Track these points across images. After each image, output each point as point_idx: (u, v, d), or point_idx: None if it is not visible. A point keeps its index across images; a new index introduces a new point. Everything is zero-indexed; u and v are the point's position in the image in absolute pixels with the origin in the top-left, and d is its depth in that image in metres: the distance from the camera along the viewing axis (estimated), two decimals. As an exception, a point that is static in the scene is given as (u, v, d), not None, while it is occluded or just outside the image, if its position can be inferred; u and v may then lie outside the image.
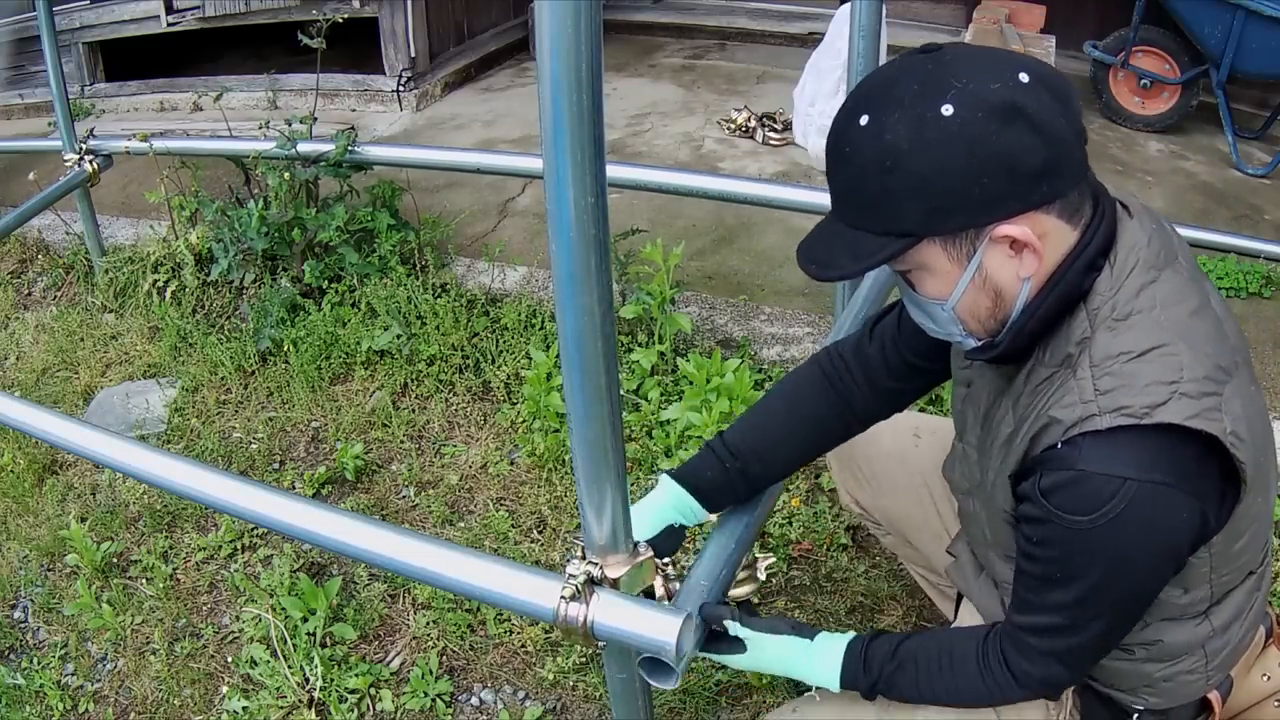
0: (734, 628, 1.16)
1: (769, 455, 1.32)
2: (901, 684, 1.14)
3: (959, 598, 1.42)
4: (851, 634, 1.19)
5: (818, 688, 1.20)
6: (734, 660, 1.18)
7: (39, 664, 2.02)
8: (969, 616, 1.34)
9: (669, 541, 1.26)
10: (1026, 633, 1.06)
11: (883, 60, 3.00)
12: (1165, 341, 0.94)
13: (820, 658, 1.18)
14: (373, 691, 1.86)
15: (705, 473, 1.30)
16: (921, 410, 2.31)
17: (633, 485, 2.24)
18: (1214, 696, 1.18)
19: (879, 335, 1.32)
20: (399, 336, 2.64)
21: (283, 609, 1.95)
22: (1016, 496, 1.06)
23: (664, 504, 1.28)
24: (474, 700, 1.87)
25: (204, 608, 2.10)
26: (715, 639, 1.18)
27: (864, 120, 0.93)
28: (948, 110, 0.89)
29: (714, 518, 1.34)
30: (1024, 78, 0.90)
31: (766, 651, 1.17)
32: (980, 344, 1.06)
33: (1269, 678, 1.23)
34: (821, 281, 1.33)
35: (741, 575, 1.38)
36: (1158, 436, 0.92)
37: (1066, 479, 0.95)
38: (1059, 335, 1.00)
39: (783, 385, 1.38)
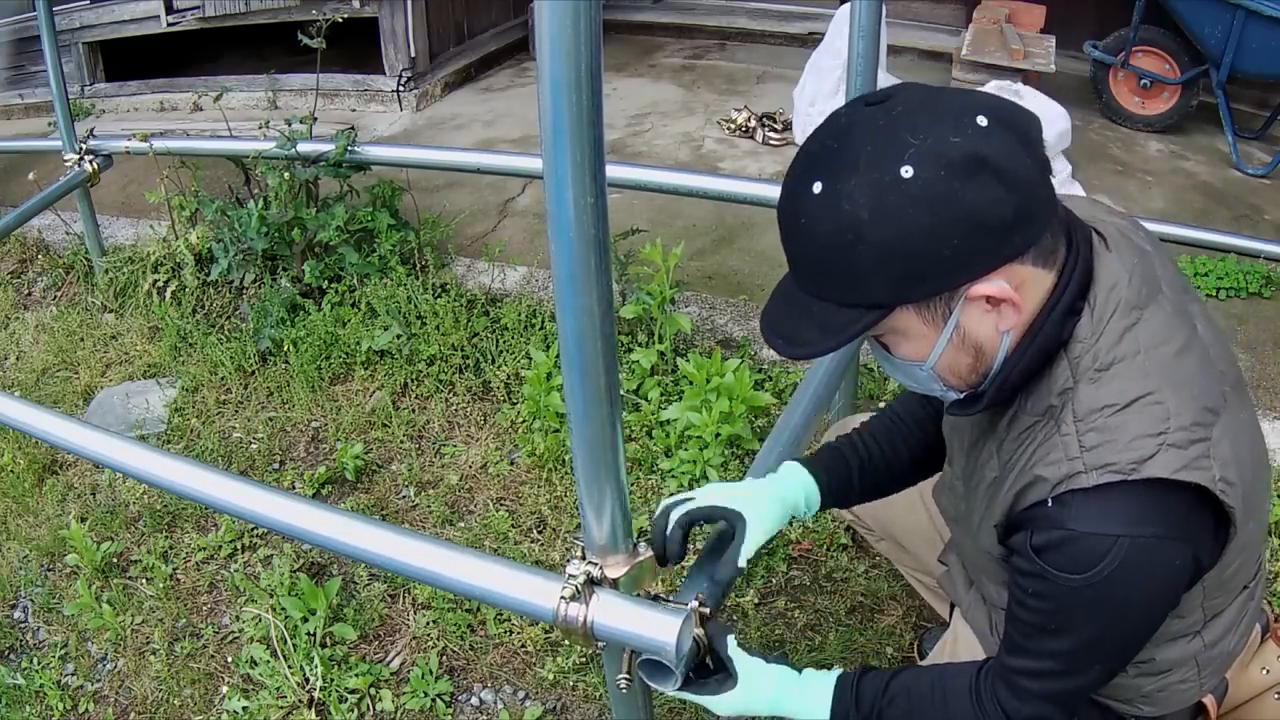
0: (732, 646, 1.12)
1: (885, 470, 1.33)
2: (891, 712, 1.13)
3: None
4: (839, 670, 1.17)
5: None
6: (718, 700, 1.12)
7: (39, 664, 2.02)
8: (961, 622, 1.34)
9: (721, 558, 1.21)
10: (1019, 675, 1.04)
11: (883, 61, 3.00)
12: (1150, 390, 0.91)
13: (810, 692, 1.15)
14: (373, 691, 1.86)
15: (831, 466, 1.30)
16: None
17: (633, 485, 2.24)
18: (1209, 701, 1.18)
19: None
20: (399, 336, 2.64)
21: (283, 609, 1.95)
22: (1006, 546, 1.04)
23: (794, 491, 1.26)
24: (474, 700, 1.87)
25: (204, 608, 2.10)
26: (698, 674, 1.13)
27: (817, 188, 0.88)
28: (907, 172, 0.84)
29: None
30: (982, 121, 0.86)
31: (758, 686, 1.13)
32: (962, 397, 1.04)
33: (1268, 671, 1.23)
34: (790, 359, 1.31)
35: None
36: (1147, 490, 0.90)
37: (1058, 539, 0.93)
38: (1041, 384, 0.97)
39: (895, 408, 1.38)
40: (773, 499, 1.22)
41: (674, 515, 1.17)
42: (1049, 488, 0.94)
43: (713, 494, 1.20)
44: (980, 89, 3.33)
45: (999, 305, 0.92)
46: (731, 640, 1.14)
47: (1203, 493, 0.91)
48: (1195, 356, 0.96)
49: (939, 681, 1.13)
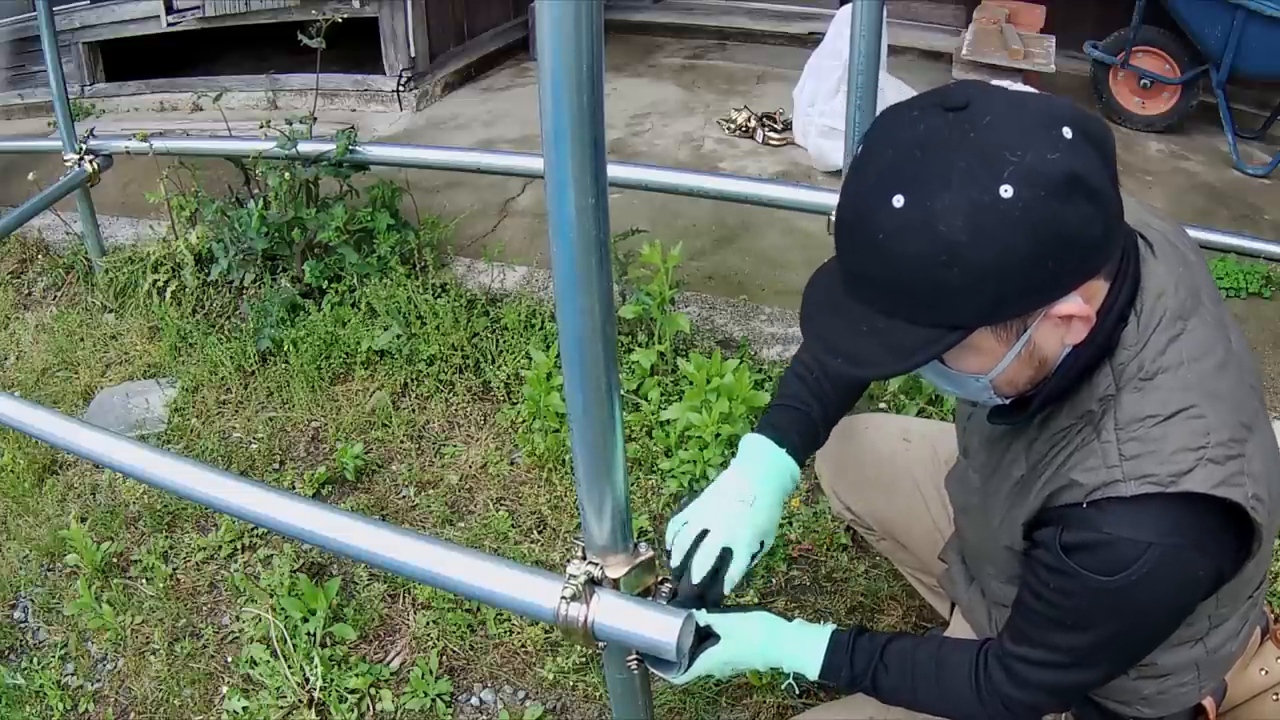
0: (701, 617, 1.13)
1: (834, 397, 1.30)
2: (886, 684, 1.13)
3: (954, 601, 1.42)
4: (833, 625, 1.18)
5: (794, 674, 1.17)
6: (710, 660, 1.13)
7: (39, 664, 2.02)
8: (961, 622, 1.34)
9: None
10: (1020, 662, 1.05)
11: (883, 61, 2.99)
12: (1192, 403, 0.91)
13: (802, 640, 1.15)
14: (373, 691, 1.86)
15: (795, 430, 1.28)
16: (921, 411, 2.31)
17: (633, 485, 2.24)
18: (1208, 703, 1.18)
19: None
20: (399, 336, 2.64)
21: (283, 609, 1.95)
22: (1031, 540, 1.04)
23: (781, 482, 1.25)
24: (474, 700, 1.87)
25: (204, 608, 2.10)
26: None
27: (899, 201, 0.82)
28: (1007, 192, 0.79)
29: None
30: (1068, 133, 0.82)
31: (745, 634, 1.13)
32: (1008, 402, 1.02)
33: (1266, 672, 1.24)
34: (852, 378, 1.27)
35: None
36: (1182, 503, 0.90)
37: (1090, 540, 0.93)
38: (1081, 388, 0.96)
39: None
40: (770, 506, 1.22)
41: (697, 564, 1.16)
42: (1084, 493, 0.94)
43: (710, 519, 1.19)
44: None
45: (1070, 320, 0.90)
46: (700, 613, 1.13)
47: (1234, 509, 0.91)
48: (1233, 371, 0.96)
49: (937, 654, 1.13)
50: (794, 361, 1.35)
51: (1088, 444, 0.95)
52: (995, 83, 3.03)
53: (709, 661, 1.13)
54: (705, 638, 1.14)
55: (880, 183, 0.84)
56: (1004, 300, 0.84)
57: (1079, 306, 0.88)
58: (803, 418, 1.28)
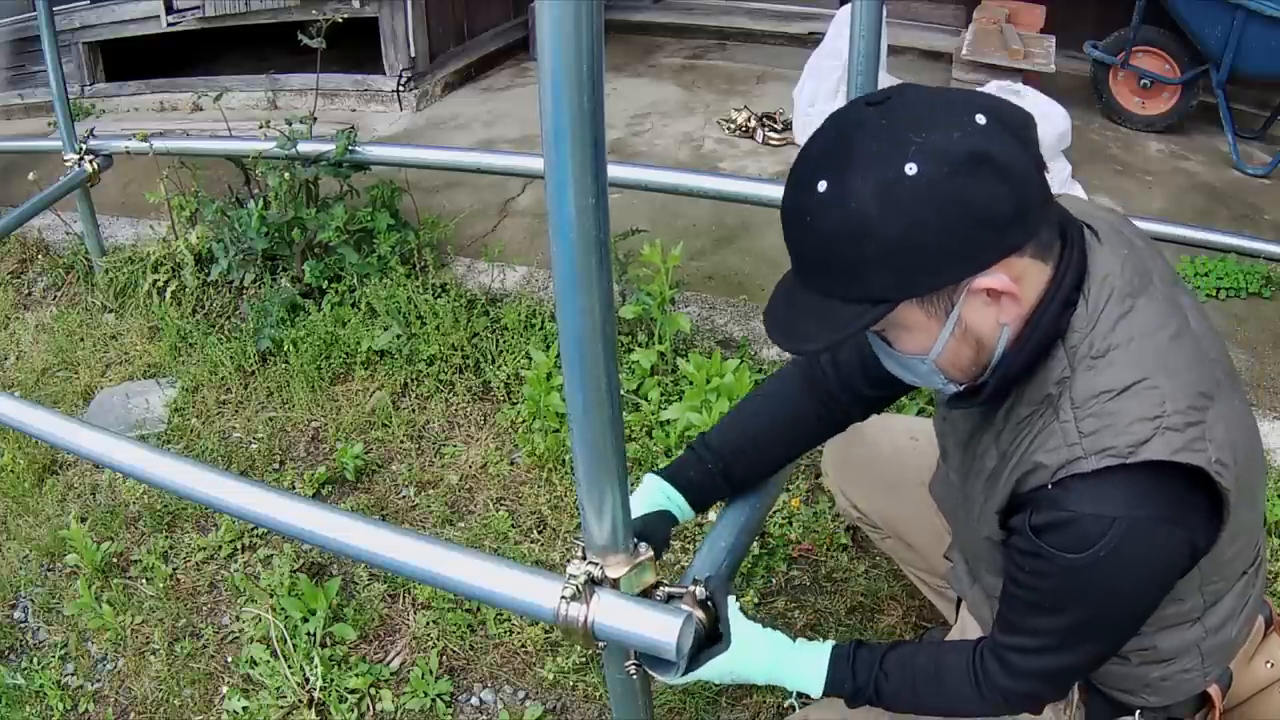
0: (733, 608, 1.14)
1: (750, 455, 1.32)
2: (889, 691, 1.14)
3: (959, 600, 1.42)
4: (833, 641, 1.19)
5: (797, 694, 1.19)
6: (713, 666, 1.13)
7: (39, 664, 2.02)
8: (968, 618, 1.34)
9: (661, 527, 1.24)
10: (1012, 652, 1.07)
11: (883, 61, 3.00)
12: (1145, 375, 0.93)
13: (804, 660, 1.17)
14: (373, 691, 1.86)
15: (688, 472, 1.31)
16: (921, 411, 2.31)
17: (633, 485, 2.23)
18: (1213, 691, 1.18)
19: (856, 344, 1.30)
20: (399, 336, 2.64)
21: (283, 609, 1.95)
22: (1005, 528, 1.06)
23: (653, 493, 1.29)
24: (474, 700, 1.87)
25: (204, 608, 2.10)
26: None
27: (823, 186, 0.90)
28: (912, 169, 0.86)
29: (710, 514, 1.34)
30: (981, 119, 0.88)
31: (753, 649, 1.14)
32: (962, 389, 1.05)
33: (1272, 665, 1.24)
34: (793, 354, 1.31)
35: None
36: (1145, 473, 0.92)
37: (1057, 519, 0.95)
38: (1038, 374, 0.99)
39: (765, 386, 1.38)
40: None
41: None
42: (1049, 474, 0.96)
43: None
44: (979, 89, 3.33)
45: (999, 298, 0.94)
46: (733, 601, 1.15)
47: (1198, 475, 0.93)
48: (1188, 343, 0.98)
49: (936, 658, 1.15)
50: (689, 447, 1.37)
51: (1048, 426, 0.97)
52: (995, 83, 3.02)
53: (711, 668, 1.13)
54: (714, 641, 1.14)
55: (809, 172, 0.92)
56: (918, 272, 0.90)
57: (1001, 281, 0.92)
58: (696, 460, 1.33)
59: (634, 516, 1.24)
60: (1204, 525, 0.98)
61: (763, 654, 1.15)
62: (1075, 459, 0.94)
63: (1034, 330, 0.96)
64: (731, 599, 1.15)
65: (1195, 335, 1.00)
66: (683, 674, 1.12)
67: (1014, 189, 0.87)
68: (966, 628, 1.35)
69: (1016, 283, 0.93)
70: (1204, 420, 0.93)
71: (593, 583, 1.08)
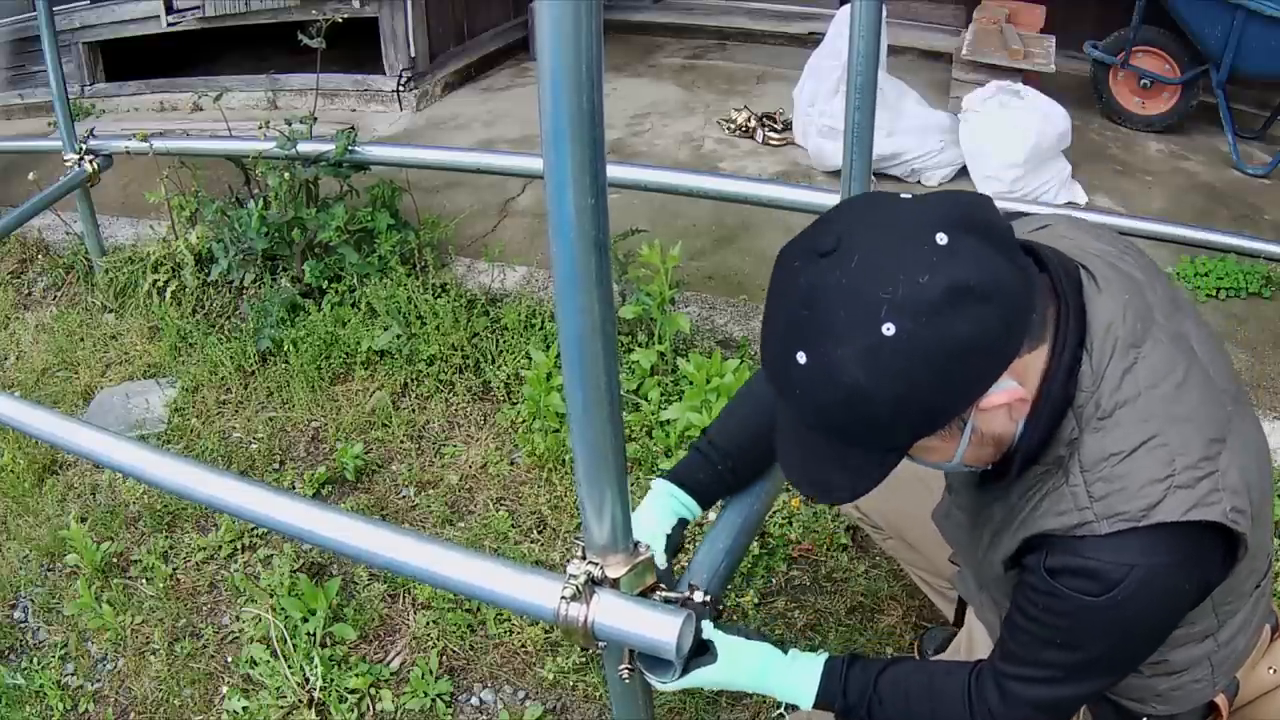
0: (709, 629, 1.14)
1: (756, 450, 1.32)
2: (880, 710, 1.13)
3: (960, 600, 1.42)
4: (825, 654, 1.18)
5: (787, 705, 1.19)
6: (702, 675, 1.13)
7: (39, 664, 2.02)
8: (975, 622, 1.34)
9: (678, 536, 1.25)
10: (1014, 680, 1.05)
11: (883, 61, 3.00)
12: (1154, 433, 0.92)
13: (796, 672, 1.16)
14: (373, 691, 1.86)
15: (698, 474, 1.30)
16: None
17: (632, 485, 2.24)
18: (1220, 700, 1.18)
19: None
20: (399, 336, 2.64)
21: (283, 609, 1.95)
22: (1019, 566, 1.05)
23: (666, 503, 1.28)
24: (474, 700, 1.87)
25: (204, 608, 2.10)
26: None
27: (802, 359, 0.87)
28: (890, 330, 0.83)
29: (710, 514, 1.34)
30: (942, 239, 0.84)
31: (741, 660, 1.14)
32: (992, 469, 1.04)
33: (1275, 671, 1.24)
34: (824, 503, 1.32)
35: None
36: (1161, 530, 0.91)
37: (1074, 565, 0.94)
38: (1051, 437, 0.97)
39: (760, 375, 1.37)
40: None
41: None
42: (1060, 536, 0.96)
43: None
44: (973, 89, 3.33)
45: (1006, 406, 0.92)
46: (707, 624, 1.14)
47: (1214, 524, 0.92)
48: (1196, 385, 0.95)
49: (930, 681, 1.14)
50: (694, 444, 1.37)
51: (1058, 489, 0.96)
52: (995, 83, 3.00)
53: (702, 677, 1.13)
54: (703, 651, 1.14)
55: (783, 345, 0.90)
56: (928, 417, 0.89)
57: (1008, 393, 0.90)
58: (704, 461, 1.33)
59: (659, 516, 1.25)
60: (1219, 564, 0.98)
61: (753, 663, 1.14)
62: (1087, 522, 0.93)
63: (1045, 403, 0.94)
64: (706, 621, 1.14)
65: (1203, 368, 0.98)
66: (676, 680, 1.12)
67: (996, 305, 0.84)
68: (973, 632, 1.35)
69: (1021, 382, 0.91)
70: (1216, 469, 0.92)
71: (593, 583, 1.08)
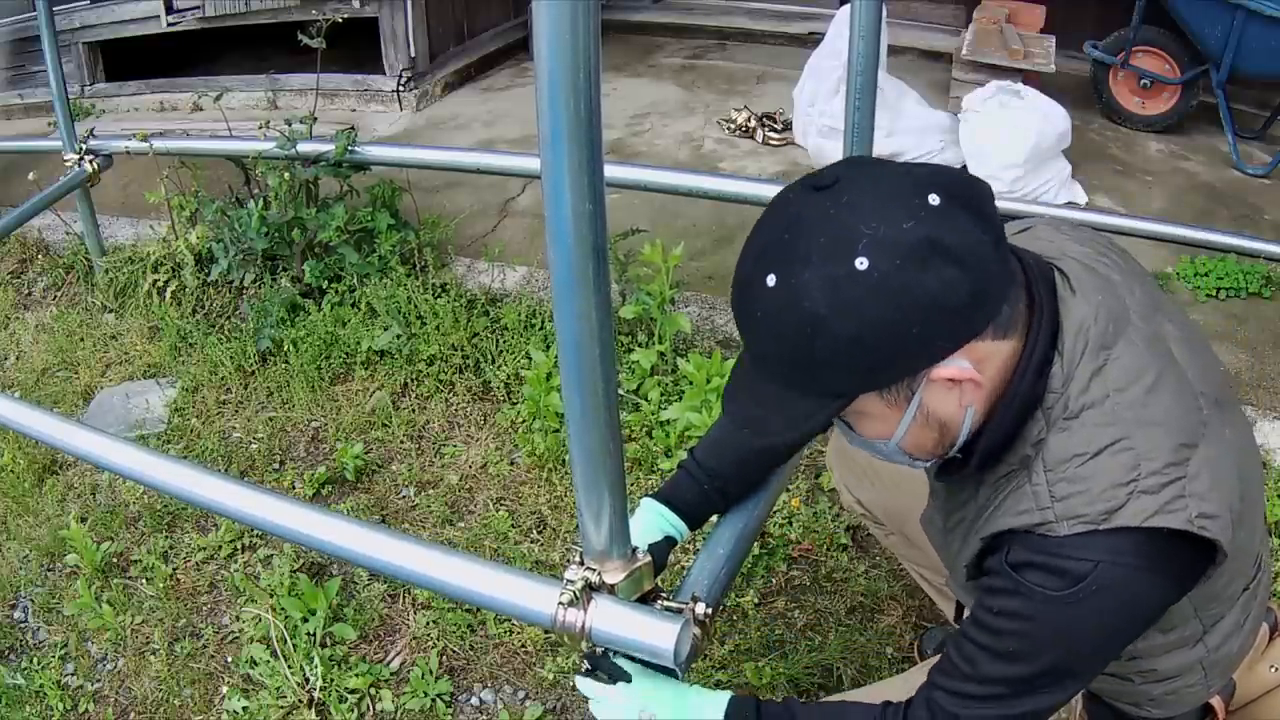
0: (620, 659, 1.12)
1: (744, 470, 1.32)
2: None
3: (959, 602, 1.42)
4: (730, 692, 1.14)
5: None
6: (614, 706, 1.11)
7: (39, 664, 2.02)
8: None
9: (662, 554, 1.23)
10: (950, 696, 1.01)
11: (883, 61, 2.99)
12: (1120, 436, 0.91)
13: (704, 705, 1.12)
14: (373, 691, 1.87)
15: (685, 495, 1.30)
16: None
17: (632, 486, 2.24)
18: (1216, 702, 1.18)
19: None
20: (399, 336, 2.64)
21: (283, 609, 1.96)
22: (981, 570, 1.03)
23: (653, 520, 1.28)
24: (474, 700, 1.87)
25: (204, 608, 2.10)
26: (596, 668, 1.13)
27: (771, 280, 0.87)
28: (862, 264, 0.83)
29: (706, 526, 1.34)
30: (934, 200, 0.85)
31: (648, 684, 1.11)
32: (941, 462, 1.04)
33: (1276, 669, 1.23)
34: (757, 448, 1.30)
35: None
36: (1122, 533, 0.90)
37: (1038, 560, 0.93)
38: (1019, 435, 0.97)
39: None
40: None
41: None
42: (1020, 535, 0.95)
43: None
44: (976, 87, 3.33)
45: (960, 384, 0.92)
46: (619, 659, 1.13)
47: (1179, 531, 0.90)
48: (1169, 389, 0.94)
49: (843, 707, 1.13)
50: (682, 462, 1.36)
51: (1020, 488, 0.95)
52: (995, 83, 3.01)
53: (613, 706, 1.11)
54: (614, 680, 1.12)
55: (756, 265, 0.90)
56: (877, 368, 0.89)
57: (961, 370, 0.90)
58: (691, 482, 1.33)
59: (641, 533, 1.25)
60: (1189, 570, 0.95)
61: (666, 692, 1.12)
62: (1047, 522, 0.92)
63: (1013, 399, 0.94)
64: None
65: (1179, 372, 0.96)
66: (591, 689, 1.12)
67: (969, 273, 0.84)
68: None
69: (978, 367, 0.91)
70: (1184, 475, 0.90)
71: (590, 588, 1.08)
